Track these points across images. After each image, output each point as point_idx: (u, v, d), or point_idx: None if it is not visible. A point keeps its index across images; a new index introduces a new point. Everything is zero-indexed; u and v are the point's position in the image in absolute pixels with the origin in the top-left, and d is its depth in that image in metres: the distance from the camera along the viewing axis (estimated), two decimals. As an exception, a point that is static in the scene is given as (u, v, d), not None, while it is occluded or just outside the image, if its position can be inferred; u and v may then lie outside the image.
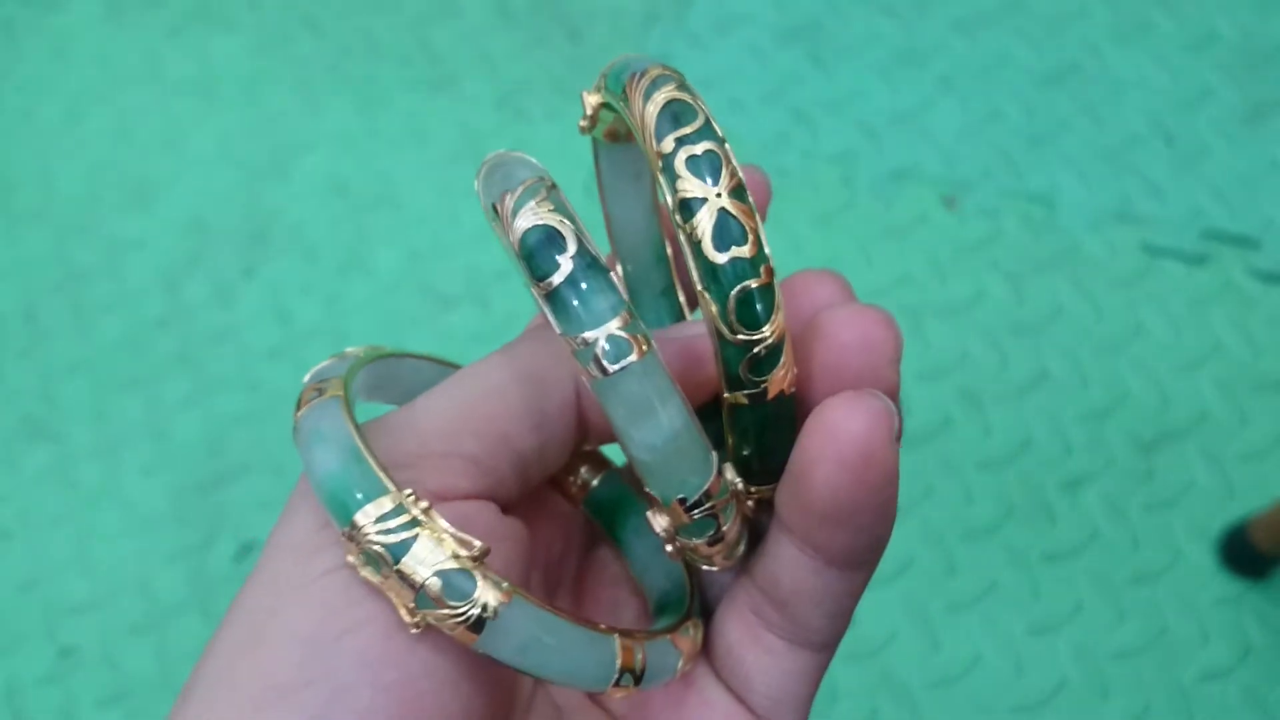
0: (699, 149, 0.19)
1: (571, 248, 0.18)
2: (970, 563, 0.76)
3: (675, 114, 0.19)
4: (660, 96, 0.19)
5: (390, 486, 0.19)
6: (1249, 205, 0.88)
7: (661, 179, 0.19)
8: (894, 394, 0.21)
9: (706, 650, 0.23)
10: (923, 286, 0.86)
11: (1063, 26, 0.97)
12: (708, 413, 0.21)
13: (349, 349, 0.23)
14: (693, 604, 0.23)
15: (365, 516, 0.18)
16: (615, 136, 0.22)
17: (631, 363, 0.18)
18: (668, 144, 0.19)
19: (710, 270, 0.19)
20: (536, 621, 0.19)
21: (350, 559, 0.19)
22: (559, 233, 0.18)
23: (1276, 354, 0.82)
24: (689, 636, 0.22)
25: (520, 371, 0.22)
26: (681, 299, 0.25)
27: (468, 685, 0.19)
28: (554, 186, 0.19)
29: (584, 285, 0.18)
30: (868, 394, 0.19)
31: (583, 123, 0.21)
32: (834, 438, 0.19)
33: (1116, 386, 0.81)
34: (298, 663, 0.18)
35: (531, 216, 0.18)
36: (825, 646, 0.22)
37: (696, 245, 0.19)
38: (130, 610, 0.79)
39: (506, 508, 0.21)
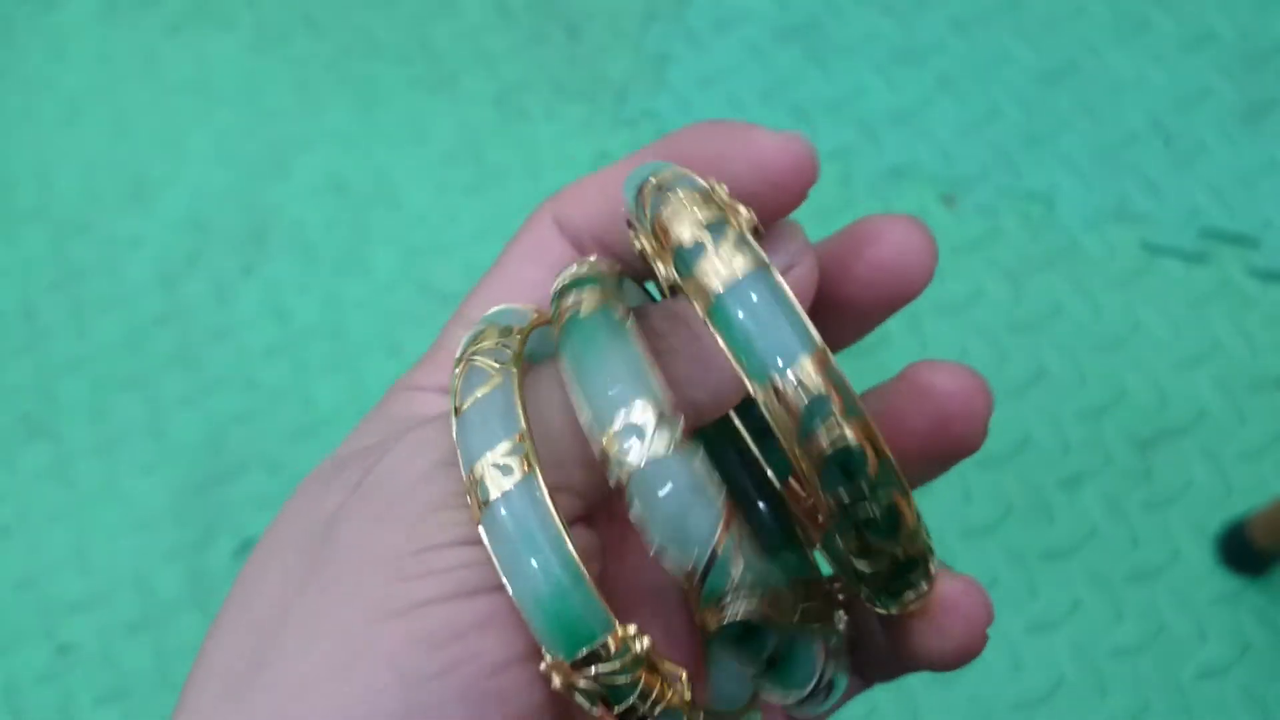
0: (875, 510, 0.18)
1: (771, 639, 0.18)
2: (969, 561, 0.76)
3: (846, 469, 0.17)
4: (827, 440, 0.17)
5: (614, 621, 0.18)
6: (1247, 204, 0.88)
7: (824, 550, 0.19)
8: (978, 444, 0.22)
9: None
10: (921, 285, 0.86)
11: (1061, 25, 0.97)
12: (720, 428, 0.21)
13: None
14: None
15: (593, 653, 0.18)
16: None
17: (841, 688, 0.20)
18: (840, 499, 0.17)
19: (882, 599, 0.19)
20: None
21: (557, 680, 0.18)
22: (758, 630, 0.18)
23: (1274, 353, 0.82)
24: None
25: None
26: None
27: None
28: (735, 523, 0.18)
29: (792, 667, 0.19)
30: (975, 587, 0.21)
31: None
32: (950, 629, 0.21)
33: (1115, 385, 0.81)
34: (399, 696, 0.18)
35: (741, 607, 0.17)
36: None
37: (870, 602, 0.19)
38: (128, 608, 0.79)
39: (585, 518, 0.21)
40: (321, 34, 1.02)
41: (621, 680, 0.18)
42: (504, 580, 0.18)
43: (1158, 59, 0.95)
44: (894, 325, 0.83)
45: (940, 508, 0.77)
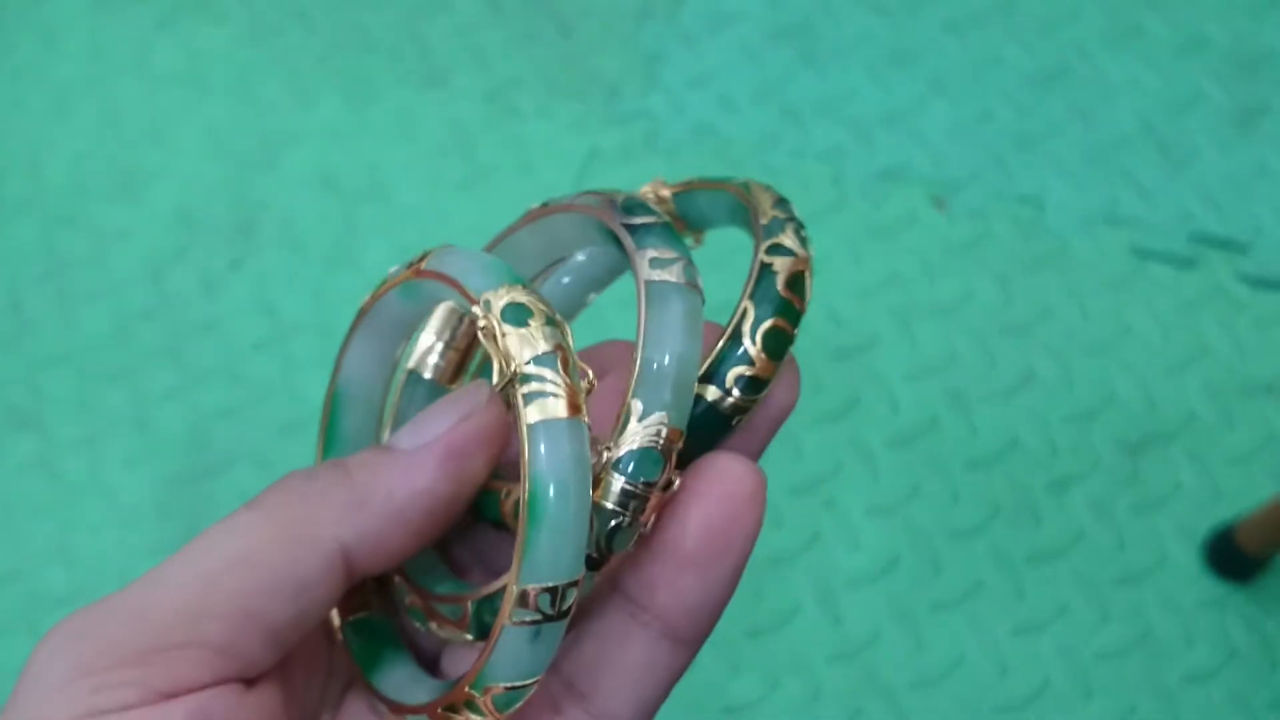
0: None
1: None
2: (955, 562, 0.76)
3: None
4: None
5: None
6: (1238, 209, 0.88)
7: None
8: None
9: None
10: (911, 287, 0.86)
11: (1054, 28, 0.98)
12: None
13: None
14: None
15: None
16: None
17: None
18: None
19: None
20: None
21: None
22: None
23: (1263, 358, 0.82)
24: None
25: (276, 534, 0.19)
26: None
27: None
28: None
29: None
30: (745, 460, 0.20)
31: None
32: (720, 477, 0.19)
33: (1104, 388, 0.81)
34: None
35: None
36: None
37: None
38: (113, 603, 0.79)
39: (255, 679, 0.20)
40: (313, 28, 1.02)
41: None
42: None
43: (1150, 63, 0.95)
44: (884, 328, 0.83)
45: (928, 508, 0.77)
